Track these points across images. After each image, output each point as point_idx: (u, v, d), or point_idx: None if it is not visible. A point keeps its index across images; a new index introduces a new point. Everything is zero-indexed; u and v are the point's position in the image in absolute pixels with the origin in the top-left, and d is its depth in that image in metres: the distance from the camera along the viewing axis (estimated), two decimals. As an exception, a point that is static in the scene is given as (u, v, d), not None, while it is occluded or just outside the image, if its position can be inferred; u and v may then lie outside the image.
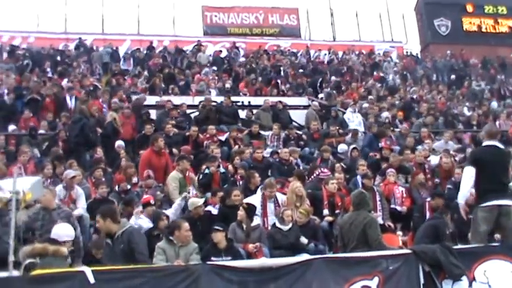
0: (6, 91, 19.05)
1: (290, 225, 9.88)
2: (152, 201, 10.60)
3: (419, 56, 34.06)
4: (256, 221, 10.11)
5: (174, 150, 14.32)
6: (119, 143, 14.62)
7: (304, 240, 9.75)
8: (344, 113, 19.55)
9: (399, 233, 11.11)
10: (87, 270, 6.13)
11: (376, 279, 7.05)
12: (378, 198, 11.56)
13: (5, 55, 25.89)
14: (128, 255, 7.32)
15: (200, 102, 19.08)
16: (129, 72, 25.08)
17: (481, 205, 8.00)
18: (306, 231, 10.00)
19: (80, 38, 29.47)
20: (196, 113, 18.12)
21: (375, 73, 28.14)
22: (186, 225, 8.82)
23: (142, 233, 8.44)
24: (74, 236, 8.74)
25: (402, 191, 12.22)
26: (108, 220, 7.69)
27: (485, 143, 8.60)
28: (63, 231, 8.56)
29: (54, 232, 8.41)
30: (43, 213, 9.11)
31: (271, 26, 34.13)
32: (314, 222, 10.53)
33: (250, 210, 9.91)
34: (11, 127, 16.46)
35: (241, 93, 22.17)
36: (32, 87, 19.03)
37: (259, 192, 11.21)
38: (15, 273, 6.31)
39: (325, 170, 12.74)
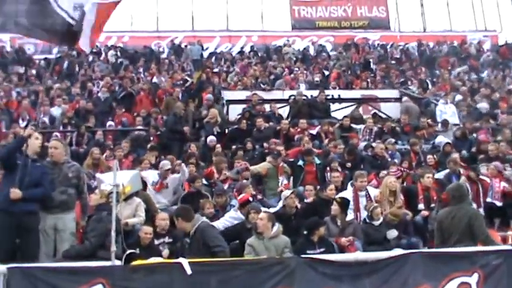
0: (102, 88, 19.80)
1: (381, 220, 9.73)
2: (251, 199, 10.52)
3: (516, 45, 32.56)
4: (350, 215, 10.01)
5: (265, 144, 14.40)
6: (211, 137, 14.83)
7: (393, 233, 9.54)
8: (436, 104, 19.04)
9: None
10: (184, 262, 6.25)
11: (475, 276, 6.80)
12: (480, 191, 11.23)
13: (103, 55, 26.91)
14: (205, 252, 7.48)
15: (290, 96, 19.12)
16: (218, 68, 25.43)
17: None
18: (397, 227, 9.81)
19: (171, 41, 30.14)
20: (287, 108, 18.12)
21: (467, 64, 27.23)
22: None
23: (212, 226, 8.53)
24: None
25: (502, 185, 11.68)
26: (179, 219, 7.94)
27: None
28: None
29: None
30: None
31: (360, 18, 33.55)
32: (406, 218, 10.32)
33: (344, 204, 9.81)
34: (109, 123, 17.05)
35: (330, 87, 22.00)
36: (126, 85, 19.66)
37: (349, 187, 11.09)
38: (117, 262, 6.55)
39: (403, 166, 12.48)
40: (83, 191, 8.66)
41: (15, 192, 7.59)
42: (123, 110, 17.84)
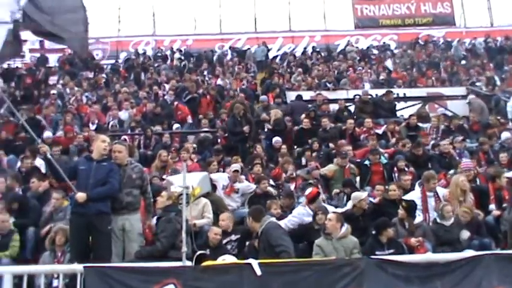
0: (169, 92, 20.16)
1: (452, 220, 9.53)
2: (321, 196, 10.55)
3: None
4: (419, 218, 9.85)
5: (331, 145, 14.35)
6: (277, 138, 14.86)
7: (465, 234, 9.33)
8: (506, 101, 18.52)
9: None
10: (254, 263, 6.30)
11: (552, 278, 6.56)
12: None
13: (168, 59, 27.42)
14: (271, 252, 7.51)
15: (355, 95, 18.99)
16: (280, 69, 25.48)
17: None
18: (469, 227, 9.56)
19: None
20: (352, 107, 18.00)
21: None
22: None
23: (278, 226, 8.53)
24: None
25: None
26: (250, 219, 8.05)
27: None
28: None
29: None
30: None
31: (424, 15, 32.92)
32: (478, 218, 10.03)
33: (411, 208, 9.66)
34: (175, 125, 17.32)
35: (395, 86, 21.72)
36: (190, 87, 19.95)
37: (417, 187, 10.91)
38: (188, 263, 6.66)
39: (468, 161, 12.16)
40: (147, 191, 8.81)
41: (80, 196, 7.90)
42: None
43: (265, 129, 16.00)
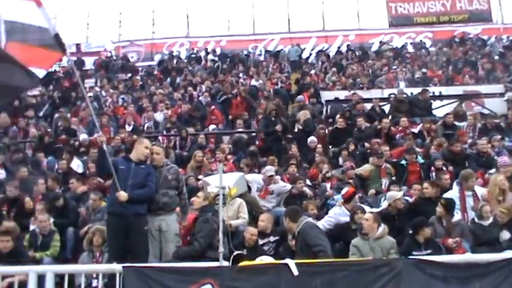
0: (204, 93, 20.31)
1: (490, 220, 9.38)
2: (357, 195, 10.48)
3: None
4: (457, 216, 9.72)
5: (366, 144, 14.28)
6: (312, 138, 14.84)
7: (505, 235, 9.18)
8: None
9: None
10: (291, 263, 6.29)
11: None
12: None
13: (202, 60, 27.60)
14: (308, 252, 7.50)
15: (390, 94, 18.86)
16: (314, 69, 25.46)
17: None
18: (508, 227, 9.38)
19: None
20: (387, 106, 17.88)
21: None
22: None
23: (315, 226, 8.51)
24: None
25: None
26: (287, 219, 8.06)
27: None
28: None
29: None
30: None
31: (460, 12, 32.46)
32: (517, 217, 9.88)
33: (449, 205, 9.52)
34: (211, 126, 17.42)
35: (431, 84, 21.49)
36: (225, 88, 20.05)
37: (455, 186, 10.76)
38: (225, 263, 6.69)
39: (505, 158, 11.95)
40: (182, 192, 8.86)
41: (121, 195, 7.94)
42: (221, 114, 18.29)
43: (296, 130, 15.94)
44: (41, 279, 6.70)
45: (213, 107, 18.90)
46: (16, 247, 8.82)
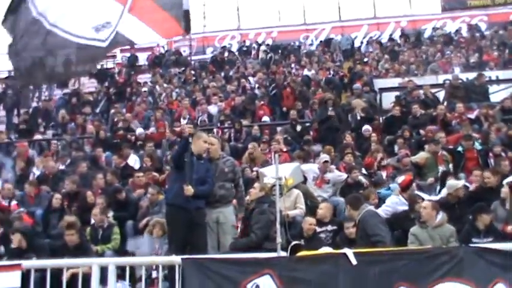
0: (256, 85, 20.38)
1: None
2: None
3: None
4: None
5: (422, 132, 14.08)
6: (366, 127, 14.72)
7: None
8: None
9: None
10: (349, 252, 6.26)
11: None
12: None
13: (253, 52, 27.66)
14: (367, 241, 7.44)
15: (445, 80, 18.52)
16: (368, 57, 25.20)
17: None
18: None
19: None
20: (442, 92, 17.57)
21: None
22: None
23: (376, 214, 8.43)
24: None
25: None
26: (348, 207, 8.02)
27: None
28: None
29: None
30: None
31: (516, -7, 31.54)
32: None
33: None
34: (264, 118, 17.47)
35: (487, 68, 20.99)
36: (278, 79, 20.06)
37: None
38: (283, 253, 6.72)
39: None
40: (239, 184, 8.92)
41: (189, 190, 7.98)
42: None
43: (358, 118, 15.76)
44: (103, 271, 6.85)
45: (262, 102, 18.91)
46: (81, 241, 9.08)
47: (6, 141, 17.62)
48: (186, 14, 7.59)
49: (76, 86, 25.01)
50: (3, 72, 31.20)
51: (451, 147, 12.73)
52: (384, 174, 12.04)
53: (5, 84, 25.38)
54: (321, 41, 29.59)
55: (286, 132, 15.49)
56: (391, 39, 28.46)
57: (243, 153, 13.56)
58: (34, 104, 23.62)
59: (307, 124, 16.20)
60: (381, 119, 16.08)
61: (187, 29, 7.85)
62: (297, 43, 29.19)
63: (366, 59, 24.46)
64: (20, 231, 9.30)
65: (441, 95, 17.58)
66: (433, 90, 17.64)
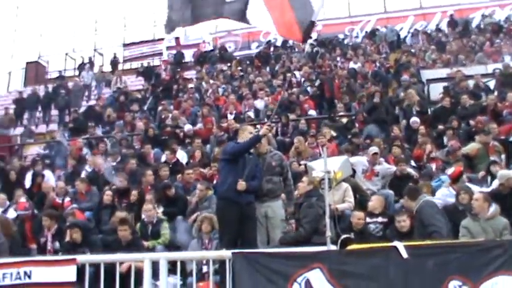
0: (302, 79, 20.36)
1: None
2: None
3: None
4: None
5: (471, 122, 13.83)
6: (414, 119, 14.53)
7: None
8: None
9: None
10: (400, 246, 6.21)
11: None
12: None
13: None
14: (423, 232, 7.36)
15: (494, 69, 18.16)
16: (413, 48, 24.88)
17: None
18: None
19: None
20: (492, 82, 17.23)
21: None
22: None
23: (433, 205, 8.31)
24: None
25: None
26: (406, 198, 7.94)
27: None
28: None
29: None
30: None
31: None
32: None
33: None
34: (310, 111, 17.44)
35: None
36: (323, 73, 20.01)
37: None
38: (333, 247, 6.71)
39: None
40: (287, 178, 8.88)
41: (242, 185, 8.03)
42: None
43: (414, 111, 15.53)
44: (154, 265, 6.96)
45: (306, 97, 18.84)
46: (134, 236, 9.26)
47: (58, 140, 18.04)
48: (311, 24, 7.51)
49: (118, 84, 25.50)
50: (54, 72, 32.20)
51: (502, 137, 12.47)
52: (433, 166, 11.87)
53: (57, 84, 26.03)
54: (366, 32, 29.30)
55: (334, 126, 15.41)
56: (438, 29, 28.00)
57: (290, 148, 13.55)
58: (84, 103, 24.14)
59: (353, 117, 16.10)
60: (428, 110, 15.86)
61: (304, 39, 7.88)
62: (342, 36, 28.95)
63: (412, 50, 24.13)
64: (77, 225, 9.53)
65: (491, 84, 17.26)
66: (484, 80, 17.39)
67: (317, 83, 19.97)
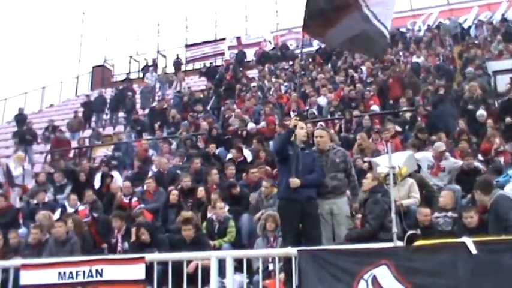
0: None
1: None
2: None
3: None
4: None
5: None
6: (481, 112, 14.19)
7: None
8: None
9: None
10: (469, 241, 6.10)
11: None
12: None
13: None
14: (499, 226, 7.18)
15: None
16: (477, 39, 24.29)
17: None
18: None
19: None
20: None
21: None
22: None
23: (509, 199, 8.06)
24: None
25: None
26: (478, 192, 7.75)
27: None
28: None
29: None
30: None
31: None
32: None
33: None
34: (372, 107, 17.29)
35: None
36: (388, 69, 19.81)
37: None
38: (399, 243, 6.65)
39: None
40: (351, 174, 8.83)
41: (294, 181, 8.04)
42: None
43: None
44: (221, 263, 7.06)
45: (371, 92, 18.67)
46: (198, 235, 9.40)
47: (125, 141, 18.47)
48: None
49: (179, 88, 25.91)
50: (119, 75, 32.97)
51: None
52: (501, 160, 11.59)
53: (123, 87, 26.65)
54: (428, 26, 28.77)
55: (396, 121, 15.23)
56: (503, 19, 27.21)
57: (354, 144, 13.47)
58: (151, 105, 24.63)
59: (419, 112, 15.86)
60: (496, 102, 15.47)
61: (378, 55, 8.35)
62: (405, 29, 28.52)
63: (477, 42, 23.56)
64: (144, 226, 9.75)
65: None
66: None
67: (380, 78, 19.79)
